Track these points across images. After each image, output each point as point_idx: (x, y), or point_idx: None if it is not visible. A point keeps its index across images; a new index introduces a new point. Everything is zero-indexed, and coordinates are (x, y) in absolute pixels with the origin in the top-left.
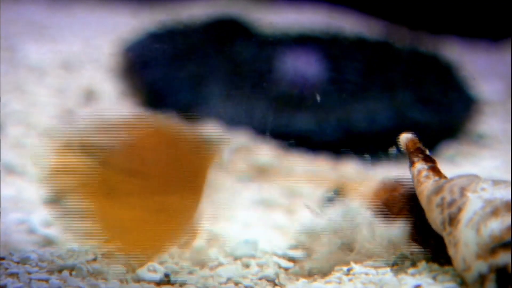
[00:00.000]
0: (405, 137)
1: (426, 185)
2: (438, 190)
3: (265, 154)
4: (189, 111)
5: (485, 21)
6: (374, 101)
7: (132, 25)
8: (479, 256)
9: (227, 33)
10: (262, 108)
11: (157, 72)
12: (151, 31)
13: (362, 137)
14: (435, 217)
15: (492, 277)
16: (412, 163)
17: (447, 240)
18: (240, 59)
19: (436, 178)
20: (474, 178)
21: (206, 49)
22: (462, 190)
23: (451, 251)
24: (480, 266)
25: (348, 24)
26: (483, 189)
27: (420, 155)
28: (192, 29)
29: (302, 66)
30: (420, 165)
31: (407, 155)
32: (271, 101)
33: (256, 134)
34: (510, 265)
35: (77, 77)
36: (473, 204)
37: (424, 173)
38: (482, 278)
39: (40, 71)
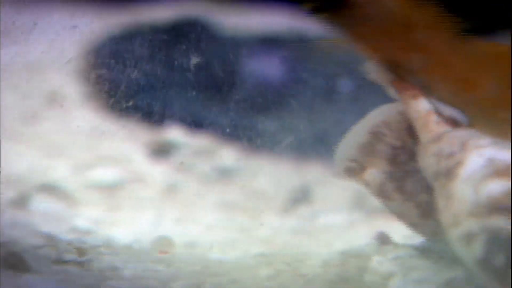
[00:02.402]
0: (371, 66)
1: (432, 137)
2: (436, 139)
3: (228, 156)
4: (153, 113)
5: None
6: (338, 104)
7: (96, 27)
8: (472, 214)
9: (191, 34)
10: (225, 108)
11: (121, 74)
12: (115, 33)
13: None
14: (428, 165)
15: (482, 237)
16: (411, 95)
17: (438, 191)
18: (204, 61)
19: (445, 129)
20: (474, 133)
21: (170, 51)
22: (463, 144)
23: (441, 203)
24: (471, 224)
25: (312, 26)
26: (482, 146)
27: (411, 86)
28: (154, 31)
29: (266, 68)
30: (426, 103)
31: (391, 85)
32: (234, 103)
33: (219, 137)
34: (503, 229)
35: (41, 80)
36: (474, 160)
37: (434, 117)
38: (470, 236)
39: (4, 73)
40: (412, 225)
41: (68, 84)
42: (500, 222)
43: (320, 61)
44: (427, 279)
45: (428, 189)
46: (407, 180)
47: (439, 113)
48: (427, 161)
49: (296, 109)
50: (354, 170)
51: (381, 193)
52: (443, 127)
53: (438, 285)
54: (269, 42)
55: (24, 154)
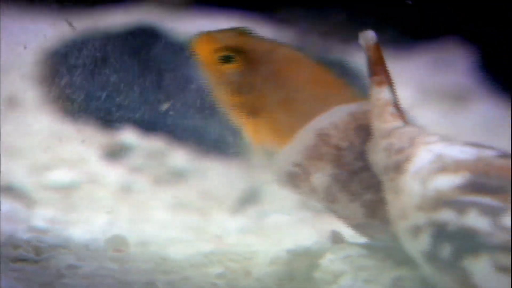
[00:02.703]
0: (369, 36)
1: (385, 129)
2: (386, 134)
3: (180, 158)
4: (108, 116)
5: (388, 30)
6: None
7: (53, 33)
8: (420, 208)
9: (144, 40)
10: (177, 112)
11: (77, 79)
12: (71, 39)
13: None
14: (379, 160)
15: (428, 230)
16: (377, 81)
17: (387, 184)
18: (157, 65)
19: (398, 124)
20: (422, 129)
21: (124, 56)
22: (412, 140)
23: (389, 197)
24: (418, 217)
25: (261, 31)
26: (431, 142)
27: (385, 72)
28: (111, 37)
29: None
30: (387, 93)
31: (368, 63)
32: (186, 106)
33: (172, 139)
34: (450, 223)
35: (1, 84)
36: (423, 156)
37: (390, 109)
38: (417, 229)
39: None
40: (358, 226)
41: (27, 88)
42: (446, 215)
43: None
44: (375, 278)
45: (373, 187)
46: (352, 180)
47: (396, 107)
48: (378, 155)
49: None
50: (297, 176)
51: (327, 196)
52: (396, 121)
53: (385, 284)
54: None
55: None
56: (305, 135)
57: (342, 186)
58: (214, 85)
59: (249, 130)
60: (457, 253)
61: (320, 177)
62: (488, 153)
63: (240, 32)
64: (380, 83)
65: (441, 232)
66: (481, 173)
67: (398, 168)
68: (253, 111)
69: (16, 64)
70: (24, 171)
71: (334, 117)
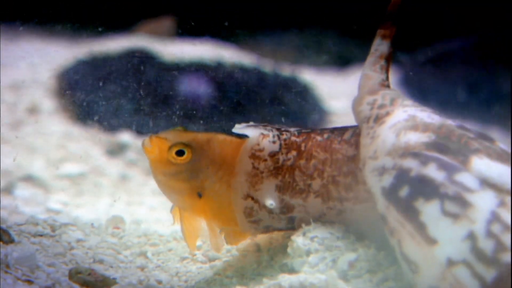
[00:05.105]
0: None
1: (374, 78)
2: (372, 92)
3: None
4: (110, 122)
5: (331, 54)
6: (247, 114)
7: (66, 54)
8: (389, 153)
9: (138, 61)
10: (165, 118)
11: (85, 91)
12: (81, 59)
13: None
14: (361, 109)
15: (392, 172)
16: (381, 34)
17: (365, 131)
18: (148, 80)
19: (384, 77)
20: (400, 94)
21: (122, 73)
22: (393, 100)
23: (366, 141)
24: (387, 160)
25: (228, 54)
26: (407, 105)
27: (392, 28)
28: (111, 58)
29: (195, 86)
30: (385, 47)
31: (387, 13)
32: (172, 113)
33: None
34: (412, 170)
35: (23, 95)
36: (400, 114)
37: (382, 61)
38: (383, 169)
39: None
40: (321, 216)
41: (44, 98)
42: (411, 163)
43: (234, 80)
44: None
45: (315, 170)
46: (295, 177)
47: (388, 61)
48: (361, 106)
49: (218, 116)
50: (253, 208)
51: (283, 210)
52: (383, 73)
53: (341, 267)
54: (197, 66)
55: (10, 152)
56: (242, 162)
57: (290, 192)
58: (165, 177)
59: (198, 209)
60: (413, 194)
61: (270, 198)
62: (450, 122)
63: (182, 129)
64: (384, 36)
65: (403, 176)
66: (443, 136)
67: (378, 119)
68: (200, 192)
69: (36, 80)
70: (42, 164)
71: (256, 128)
